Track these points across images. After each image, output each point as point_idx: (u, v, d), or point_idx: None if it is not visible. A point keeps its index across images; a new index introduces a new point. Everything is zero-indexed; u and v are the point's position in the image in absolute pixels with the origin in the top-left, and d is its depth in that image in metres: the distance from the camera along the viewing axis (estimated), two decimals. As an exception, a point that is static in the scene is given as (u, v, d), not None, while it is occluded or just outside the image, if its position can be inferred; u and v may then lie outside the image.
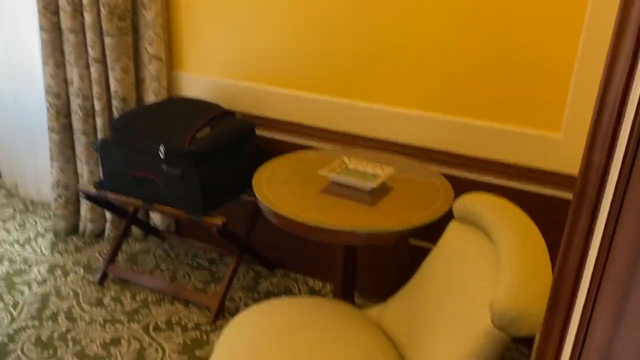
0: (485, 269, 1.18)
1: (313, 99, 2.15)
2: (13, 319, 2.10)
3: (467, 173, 1.93)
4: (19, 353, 1.94)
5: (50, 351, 1.95)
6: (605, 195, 0.65)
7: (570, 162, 1.80)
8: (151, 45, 2.29)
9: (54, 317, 2.12)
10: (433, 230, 1.56)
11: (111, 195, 2.16)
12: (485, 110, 1.88)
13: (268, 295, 2.29)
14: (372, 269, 2.24)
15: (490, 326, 1.04)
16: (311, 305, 1.50)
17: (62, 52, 2.37)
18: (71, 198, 2.62)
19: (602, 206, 0.66)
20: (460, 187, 1.75)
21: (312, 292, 2.32)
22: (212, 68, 2.34)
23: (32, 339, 2.01)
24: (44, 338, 2.01)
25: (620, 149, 0.62)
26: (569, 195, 1.82)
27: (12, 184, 3.08)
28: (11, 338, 2.01)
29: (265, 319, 1.43)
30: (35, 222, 2.78)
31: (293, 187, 1.71)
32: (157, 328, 2.09)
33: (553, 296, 0.77)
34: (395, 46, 1.96)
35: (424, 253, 2.08)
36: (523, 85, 1.82)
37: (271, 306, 1.50)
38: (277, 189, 1.70)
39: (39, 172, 2.87)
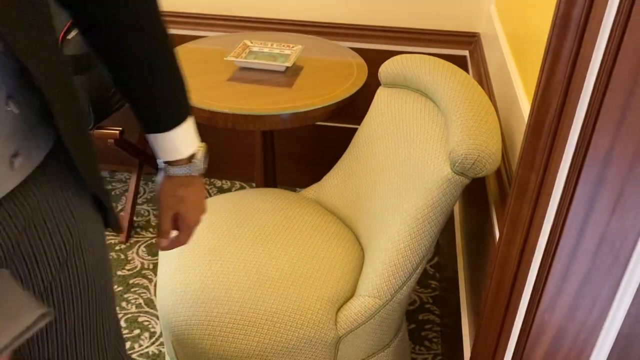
0: (430, 123, 1.21)
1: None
2: None
3: (371, 44, 1.92)
4: None
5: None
6: (604, 17, 0.67)
7: (460, 19, 1.86)
8: None
9: None
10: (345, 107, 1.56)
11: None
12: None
13: (177, 202, 2.18)
14: (287, 158, 2.21)
15: (450, 173, 1.09)
16: (247, 196, 1.46)
17: None
18: None
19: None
20: (367, 58, 1.74)
21: (223, 191, 2.26)
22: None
23: None
24: None
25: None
26: (464, 52, 1.90)
27: None
28: None
29: (208, 217, 1.37)
30: None
31: (199, 80, 1.58)
32: (65, 258, 1.91)
33: (538, 115, 0.80)
34: None
35: (333, 132, 2.10)
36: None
37: (210, 204, 1.43)
38: (182, 83, 1.55)
39: None
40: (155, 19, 0.76)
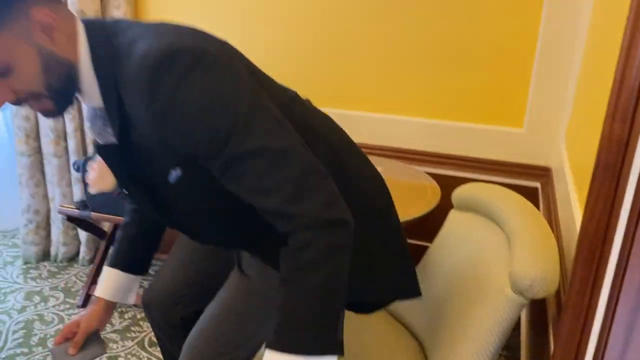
0: (495, 247, 1.33)
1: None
2: (1, 348, 2.04)
3: (447, 170, 2.10)
4: (14, 381, 1.90)
5: (47, 376, 1.92)
6: (633, 164, 0.80)
7: (532, 153, 2.01)
8: (124, 64, 2.31)
9: (42, 342, 2.08)
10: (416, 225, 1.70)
11: (95, 215, 2.15)
12: (461, 112, 2.06)
13: (256, 302, 2.35)
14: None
15: (510, 293, 1.18)
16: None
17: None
18: (42, 223, 2.57)
19: (630, 174, 0.81)
20: (442, 183, 1.91)
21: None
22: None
23: (25, 366, 1.96)
24: (36, 364, 1.97)
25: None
26: (535, 184, 2.02)
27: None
28: (2, 367, 1.95)
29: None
30: (1, 251, 2.68)
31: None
32: (152, 343, 2.09)
33: (581, 247, 0.91)
34: (380, 61, 2.11)
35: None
36: (491, 89, 2.02)
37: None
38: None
39: (6, 198, 2.78)
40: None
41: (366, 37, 2.10)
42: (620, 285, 0.82)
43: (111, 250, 1.33)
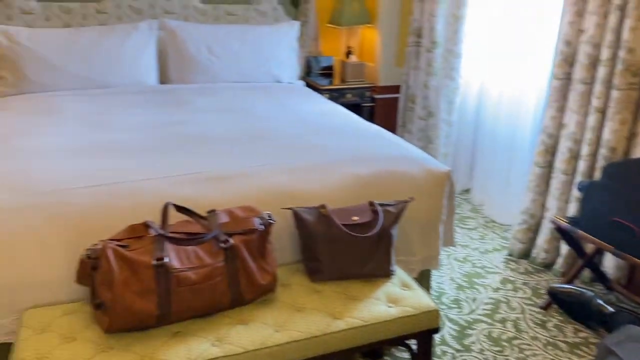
0: None
1: None
2: (472, 310, 2.52)
3: None
4: (474, 339, 2.33)
5: (499, 348, 2.27)
6: None
7: None
8: None
9: (503, 321, 2.44)
10: None
11: (582, 234, 2.32)
12: None
13: None
14: None
15: None
16: None
17: (565, 99, 2.67)
18: (533, 226, 2.92)
19: None
20: None
21: None
22: None
23: (485, 332, 2.37)
24: (494, 335, 2.35)
25: None
26: None
27: (479, 202, 3.61)
28: (469, 325, 2.42)
29: None
30: (493, 239, 3.20)
31: None
32: (595, 369, 2.15)
33: None
34: None
35: None
36: None
37: None
38: None
39: (508, 198, 3.28)
40: None
41: None
42: None
43: None
